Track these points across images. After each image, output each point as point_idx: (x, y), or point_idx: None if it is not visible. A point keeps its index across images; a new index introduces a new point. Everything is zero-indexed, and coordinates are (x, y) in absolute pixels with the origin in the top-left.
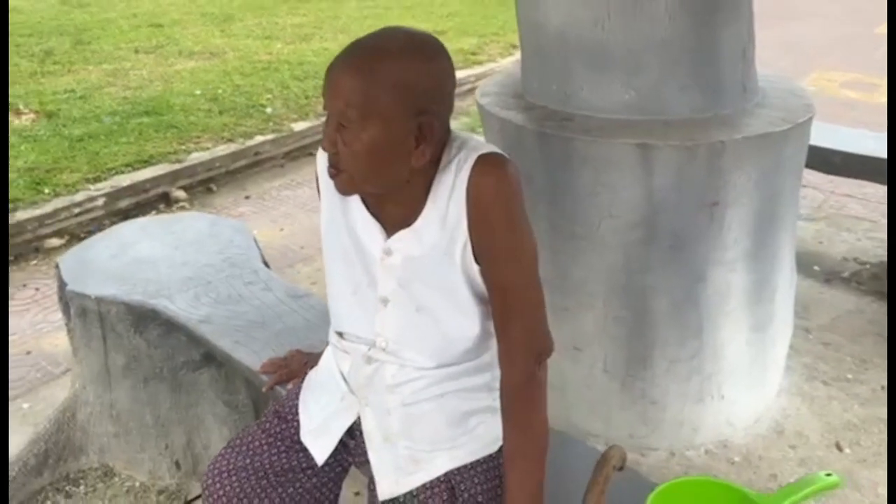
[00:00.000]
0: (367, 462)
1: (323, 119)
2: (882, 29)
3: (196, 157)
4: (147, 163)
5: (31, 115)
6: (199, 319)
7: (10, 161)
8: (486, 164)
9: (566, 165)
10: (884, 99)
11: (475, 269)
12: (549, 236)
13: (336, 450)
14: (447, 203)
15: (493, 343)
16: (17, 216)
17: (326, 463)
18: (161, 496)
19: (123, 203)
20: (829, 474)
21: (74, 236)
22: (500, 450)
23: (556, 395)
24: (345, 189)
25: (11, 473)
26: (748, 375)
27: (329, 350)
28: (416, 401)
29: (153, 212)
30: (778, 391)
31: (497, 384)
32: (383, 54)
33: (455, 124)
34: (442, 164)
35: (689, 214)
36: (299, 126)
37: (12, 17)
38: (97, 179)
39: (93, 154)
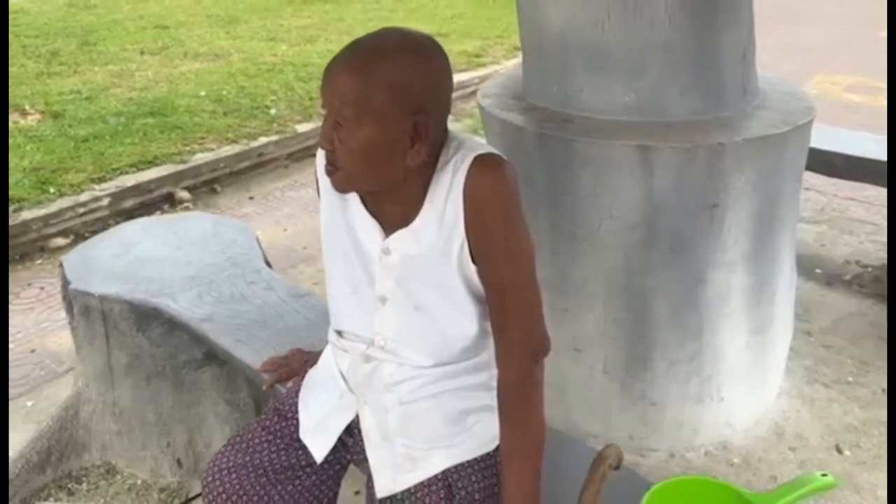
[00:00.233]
0: (366, 460)
1: None
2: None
3: (200, 157)
4: (151, 163)
5: (37, 116)
6: (202, 318)
7: (16, 161)
8: (483, 165)
9: (566, 167)
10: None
11: (472, 268)
12: (549, 237)
13: (335, 447)
14: (444, 203)
15: (491, 342)
16: (22, 216)
17: (325, 460)
18: (162, 494)
19: (128, 203)
20: (824, 474)
21: (79, 236)
22: (497, 448)
23: (556, 395)
24: (341, 187)
25: (15, 470)
26: (748, 377)
27: (328, 349)
28: (413, 399)
29: (157, 212)
30: (778, 393)
31: (494, 383)
32: (380, 54)
33: (458, 126)
34: (439, 164)
35: (689, 216)
36: (303, 127)
37: (20, 19)
38: (102, 179)
39: (98, 154)
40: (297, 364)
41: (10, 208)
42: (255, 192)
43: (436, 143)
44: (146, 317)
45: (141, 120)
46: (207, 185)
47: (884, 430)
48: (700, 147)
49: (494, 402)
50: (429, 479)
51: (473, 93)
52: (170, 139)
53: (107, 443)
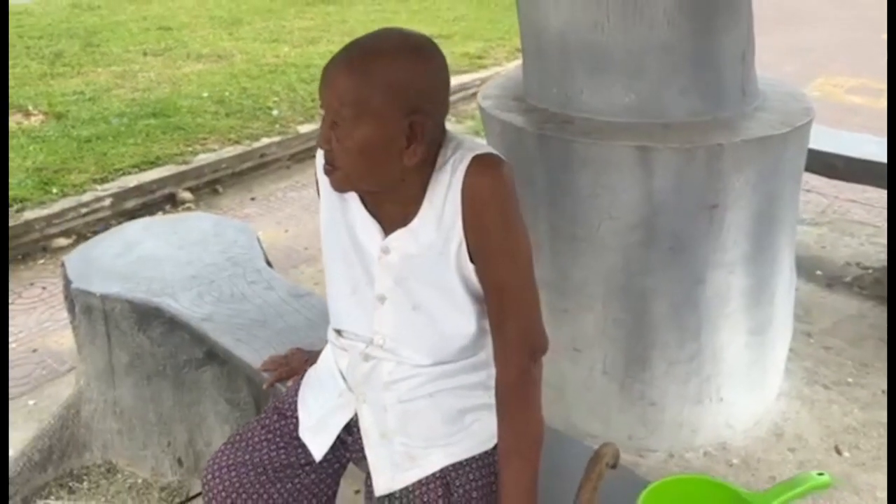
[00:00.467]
0: (365, 458)
1: None
2: None
3: (202, 158)
4: (154, 164)
5: (41, 117)
6: (202, 317)
7: (19, 161)
8: (481, 165)
9: (566, 167)
10: None
11: (470, 268)
12: (549, 238)
13: (334, 446)
14: (443, 203)
15: (489, 341)
16: (25, 216)
17: (325, 459)
18: (163, 493)
19: (130, 204)
20: (821, 473)
21: (81, 236)
22: (495, 447)
23: (555, 396)
24: (339, 186)
25: (16, 469)
26: (747, 378)
27: (328, 348)
28: (412, 398)
29: (159, 212)
30: (778, 394)
31: (493, 382)
32: (378, 54)
33: (460, 127)
34: (438, 164)
35: (688, 217)
36: (305, 128)
37: (23, 20)
38: (104, 180)
39: (100, 155)
40: (297, 363)
41: (13, 208)
42: (256, 193)
43: (434, 143)
44: (147, 316)
45: (143, 121)
46: (209, 186)
47: (883, 431)
48: (699, 148)
49: (492, 401)
50: (427, 478)
51: (475, 94)
52: (172, 140)
53: (108, 442)
